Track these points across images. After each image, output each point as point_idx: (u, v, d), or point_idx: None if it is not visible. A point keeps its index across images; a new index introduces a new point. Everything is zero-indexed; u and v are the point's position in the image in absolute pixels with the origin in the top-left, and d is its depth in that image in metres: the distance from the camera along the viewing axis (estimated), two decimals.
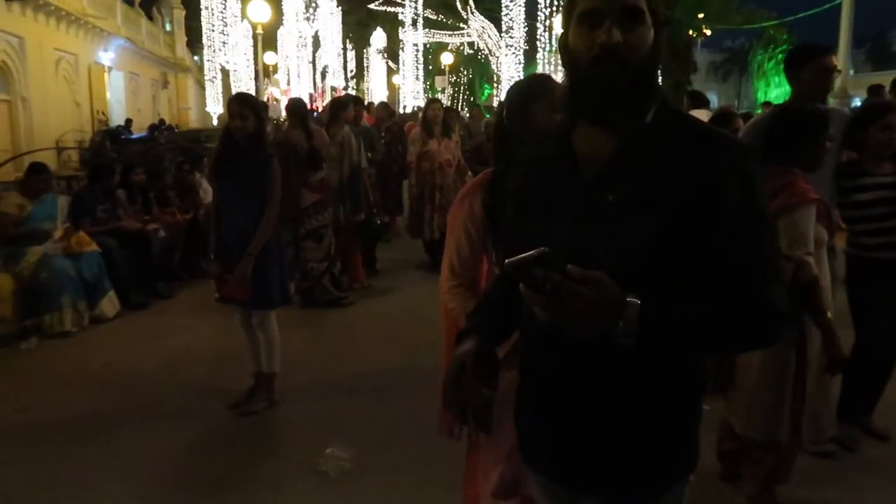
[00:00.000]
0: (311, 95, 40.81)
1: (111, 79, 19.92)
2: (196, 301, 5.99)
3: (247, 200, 3.55)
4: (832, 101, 18.70)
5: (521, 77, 26.67)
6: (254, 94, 19.49)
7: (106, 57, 19.19)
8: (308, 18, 28.89)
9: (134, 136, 16.45)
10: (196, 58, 32.67)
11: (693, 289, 1.15)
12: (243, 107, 3.54)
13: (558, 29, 13.75)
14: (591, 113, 1.24)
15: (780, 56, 18.25)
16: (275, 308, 3.75)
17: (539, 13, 17.89)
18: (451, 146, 6.67)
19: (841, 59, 18.89)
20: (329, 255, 5.62)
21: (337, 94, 38.96)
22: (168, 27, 29.60)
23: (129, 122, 19.03)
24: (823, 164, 2.50)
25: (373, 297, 6.07)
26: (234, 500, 2.96)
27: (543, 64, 17.87)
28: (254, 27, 22.60)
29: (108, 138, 15.65)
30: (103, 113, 18.30)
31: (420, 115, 6.99)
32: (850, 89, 18.96)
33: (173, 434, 3.53)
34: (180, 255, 6.58)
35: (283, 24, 30.13)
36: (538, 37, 18.39)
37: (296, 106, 5.78)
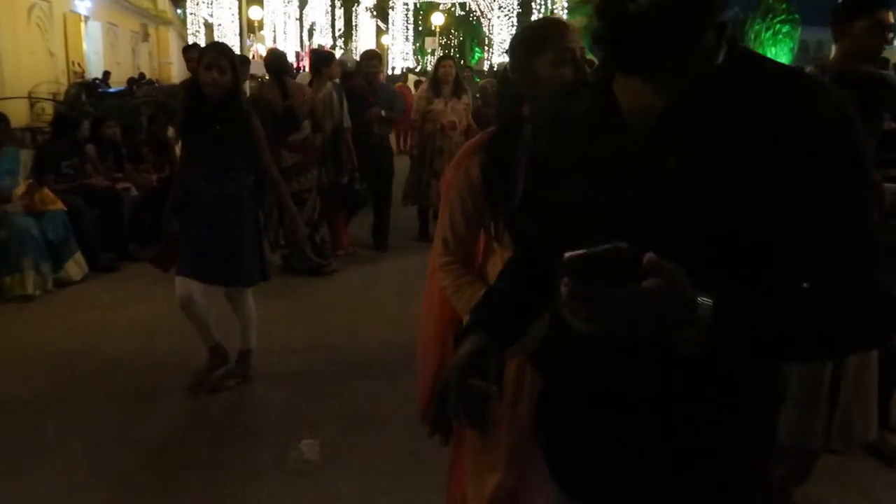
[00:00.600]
0: (297, 54, 39.94)
1: (88, 29, 19.11)
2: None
3: (221, 165, 3.18)
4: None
5: None
6: (238, 51, 18.86)
7: (82, 6, 18.36)
8: None
9: (111, 90, 15.84)
10: (179, 11, 31.60)
11: (776, 278, 0.88)
12: (221, 57, 3.10)
13: None
14: (627, 68, 0.97)
15: (777, 26, 17.87)
16: (253, 285, 3.45)
17: None
18: (458, 107, 6.18)
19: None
20: (311, 220, 5.27)
21: (324, 50, 38.12)
22: None
23: (107, 74, 18.33)
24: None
25: (357, 265, 5.78)
26: (200, 490, 2.70)
27: None
28: None
29: (85, 91, 15.04)
30: (79, 64, 17.58)
31: (431, 72, 6.52)
32: None
33: (137, 414, 3.25)
34: (154, 216, 6.22)
35: None
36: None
37: (273, 59, 5.36)
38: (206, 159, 3.19)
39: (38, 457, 2.88)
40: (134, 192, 5.99)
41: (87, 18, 18.79)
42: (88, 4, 18.68)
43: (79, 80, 16.10)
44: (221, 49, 3.22)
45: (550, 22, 1.76)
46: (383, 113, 6.06)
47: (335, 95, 5.50)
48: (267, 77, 7.05)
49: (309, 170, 5.19)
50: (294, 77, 7.07)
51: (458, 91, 6.16)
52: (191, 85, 3.20)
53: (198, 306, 3.29)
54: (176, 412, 3.30)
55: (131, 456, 2.91)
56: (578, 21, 20.68)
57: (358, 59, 7.79)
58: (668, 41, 0.90)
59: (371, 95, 5.98)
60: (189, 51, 6.60)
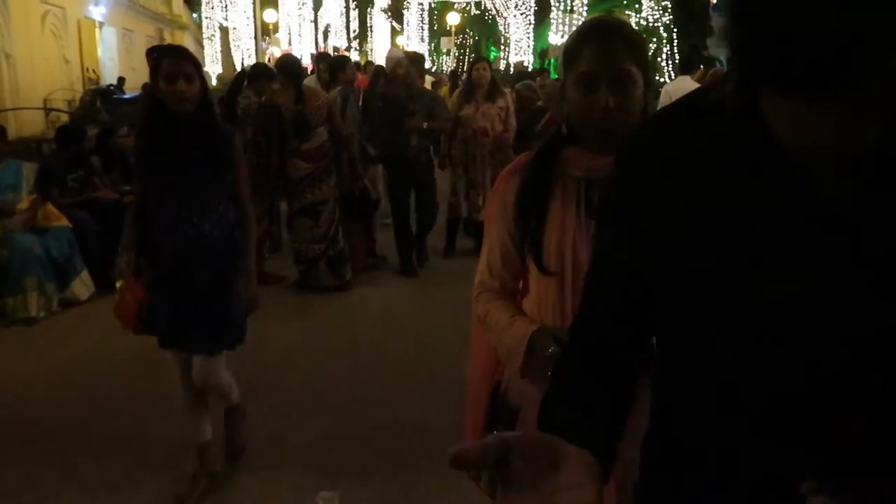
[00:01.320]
0: (312, 56, 39.83)
1: (103, 35, 19.07)
2: None
3: (204, 200, 2.49)
4: None
5: (530, 40, 25.90)
6: (253, 54, 18.70)
7: (97, 11, 18.29)
8: None
9: (126, 96, 15.71)
10: (195, 15, 31.60)
11: None
12: (185, 63, 2.42)
13: None
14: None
15: None
16: (232, 348, 2.67)
17: None
18: (491, 112, 5.74)
19: None
20: (328, 235, 4.95)
21: (340, 54, 38.06)
22: None
23: (121, 80, 18.23)
24: None
25: (377, 283, 5.40)
26: None
27: (557, 24, 16.99)
28: None
29: (100, 97, 14.94)
30: (94, 71, 17.51)
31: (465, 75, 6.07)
32: None
33: (144, 454, 2.97)
34: None
35: None
36: None
37: (286, 63, 5.05)
38: (185, 195, 2.47)
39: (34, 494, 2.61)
40: None
41: (101, 24, 18.73)
42: (103, 10, 18.60)
43: (93, 87, 16.01)
44: (182, 54, 2.53)
45: (589, 27, 1.37)
46: (425, 125, 5.40)
47: (337, 102, 5.22)
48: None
49: (324, 180, 4.87)
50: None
51: (493, 94, 5.75)
52: (148, 101, 2.53)
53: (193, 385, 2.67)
54: (186, 454, 3.01)
55: None
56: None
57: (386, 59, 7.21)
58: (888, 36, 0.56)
59: (410, 103, 5.36)
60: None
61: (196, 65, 2.47)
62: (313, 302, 4.91)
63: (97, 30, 18.36)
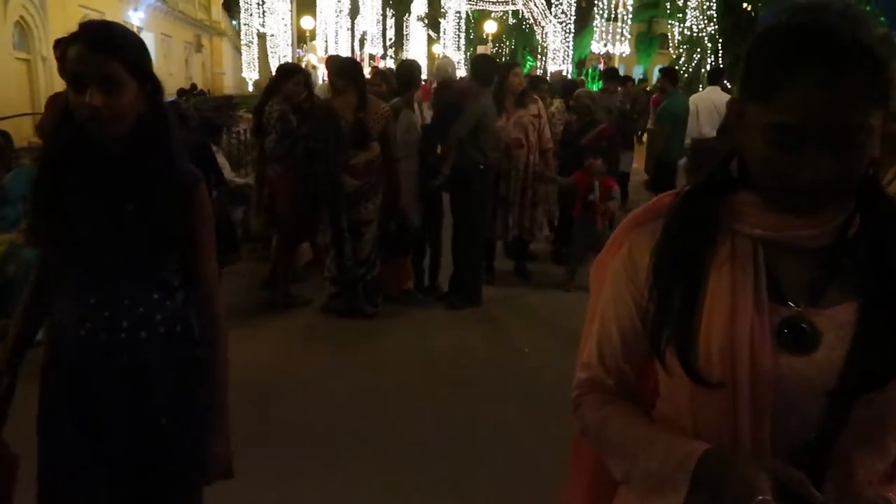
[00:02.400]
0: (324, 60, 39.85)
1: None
2: None
3: (136, 279, 1.49)
4: None
5: (569, 49, 25.38)
6: (290, 61, 18.56)
7: (136, 16, 18.35)
8: None
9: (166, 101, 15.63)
10: (234, 22, 31.81)
11: None
12: (105, 59, 1.36)
13: None
14: None
15: None
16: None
17: None
18: (523, 120, 5.21)
19: None
20: (370, 259, 4.49)
21: (376, 63, 38.00)
22: None
23: None
24: None
25: (409, 312, 4.78)
26: None
27: (600, 32, 16.48)
28: None
29: None
30: None
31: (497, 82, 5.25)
32: None
33: None
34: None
35: None
36: (596, 1, 16.92)
37: (347, 65, 4.55)
38: (96, 271, 1.48)
39: None
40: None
41: (140, 29, 18.77)
42: (142, 15, 18.67)
43: None
44: (101, 43, 1.37)
45: (809, 38, 0.79)
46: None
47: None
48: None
49: (371, 198, 4.41)
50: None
51: (524, 100, 5.24)
52: (62, 117, 1.45)
53: None
54: None
55: None
56: (636, 27, 19.66)
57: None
58: None
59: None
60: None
61: (132, 61, 1.39)
62: (344, 328, 4.49)
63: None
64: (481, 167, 4.73)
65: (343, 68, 4.49)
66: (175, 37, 23.04)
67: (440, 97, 5.22)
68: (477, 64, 5.13)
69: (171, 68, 22.16)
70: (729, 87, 8.95)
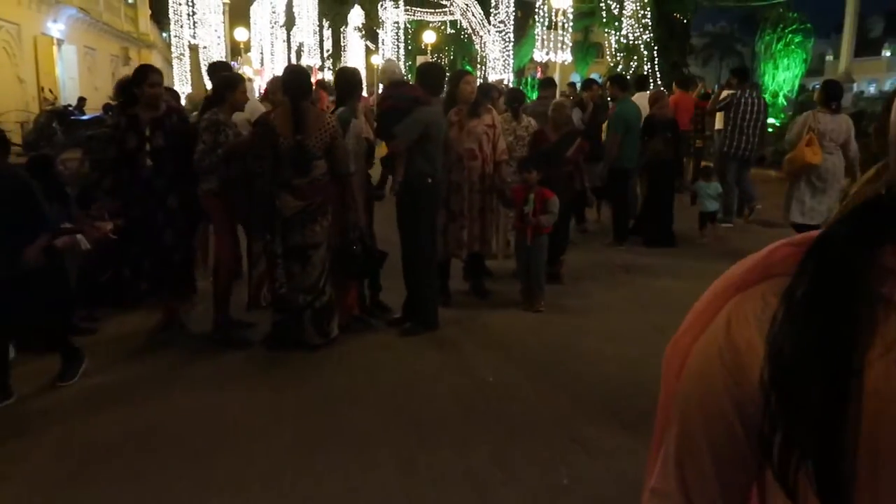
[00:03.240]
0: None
1: (62, 53, 18.08)
2: (129, 339, 4.50)
3: None
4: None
5: (509, 58, 25.43)
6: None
7: (55, 28, 17.33)
8: None
9: (85, 117, 14.77)
10: (165, 34, 30.71)
11: None
12: None
13: (556, 2, 12.24)
14: None
15: (789, 37, 16.98)
16: None
17: None
18: (477, 130, 4.90)
19: (845, 43, 17.83)
20: (317, 284, 4.07)
21: (314, 74, 37.32)
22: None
23: (81, 100, 17.25)
24: None
25: (364, 341, 4.39)
26: None
27: (541, 40, 16.43)
28: None
29: (56, 119, 13.98)
30: (51, 90, 16.49)
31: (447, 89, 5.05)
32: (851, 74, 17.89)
33: None
34: (109, 274, 5.09)
35: None
36: (536, 9, 16.88)
37: (289, 80, 4.08)
38: None
39: None
40: (86, 244, 4.86)
41: (60, 42, 17.76)
42: (62, 27, 17.66)
43: (49, 108, 15.02)
44: None
45: None
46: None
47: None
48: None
49: (317, 220, 4.00)
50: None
51: (477, 109, 4.93)
52: None
53: None
54: None
55: None
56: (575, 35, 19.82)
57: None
58: None
59: None
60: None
61: None
62: (287, 361, 4.07)
63: (55, 47, 17.36)
64: (429, 180, 4.41)
65: (285, 83, 4.07)
66: (100, 49, 21.97)
67: (393, 96, 4.84)
68: (425, 72, 4.81)
69: (97, 82, 21.10)
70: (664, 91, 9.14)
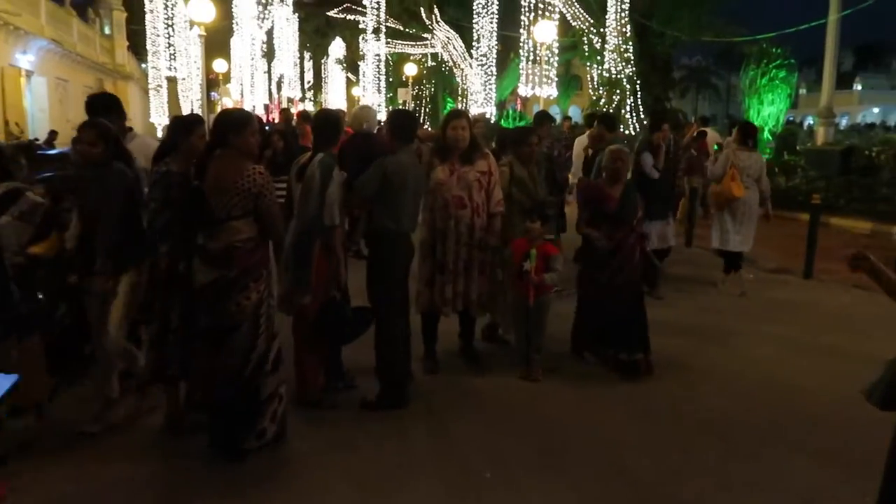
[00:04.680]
0: (266, 107, 38.78)
1: (32, 84, 17.52)
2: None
3: None
4: (817, 121, 17.60)
5: (491, 91, 25.25)
6: (203, 105, 17.35)
7: (25, 59, 16.80)
8: (261, 19, 26.76)
9: (53, 151, 14.17)
10: (144, 65, 30.28)
11: None
12: None
13: (540, 36, 11.65)
14: None
15: (773, 72, 16.94)
16: None
17: (522, 18, 16.16)
18: (469, 177, 4.46)
19: (826, 78, 17.82)
20: (241, 374, 3.30)
21: (295, 106, 37.04)
22: (107, 30, 27.17)
23: (53, 134, 16.67)
24: None
25: (330, 442, 3.61)
26: None
27: (526, 74, 16.19)
28: (198, 27, 20.51)
29: (22, 153, 13.36)
30: (17, 123, 15.89)
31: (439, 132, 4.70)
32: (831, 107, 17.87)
33: None
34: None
35: (234, 29, 28.05)
36: (521, 43, 16.65)
37: (223, 117, 3.48)
38: None
39: None
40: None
41: (30, 73, 17.21)
42: (32, 58, 17.13)
43: (15, 141, 14.40)
44: None
45: None
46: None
47: (318, 176, 3.71)
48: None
49: (233, 295, 3.22)
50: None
51: (471, 155, 4.49)
52: None
53: None
54: None
55: None
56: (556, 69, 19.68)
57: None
58: None
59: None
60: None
61: None
62: (221, 480, 3.29)
63: (24, 79, 16.80)
64: (392, 235, 4.02)
65: (216, 122, 3.45)
66: (73, 81, 21.42)
67: (354, 148, 4.40)
68: (393, 119, 4.46)
69: (69, 114, 20.50)
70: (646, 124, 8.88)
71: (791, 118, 37.52)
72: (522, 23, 16.13)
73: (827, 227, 9.42)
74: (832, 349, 5.10)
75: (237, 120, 3.38)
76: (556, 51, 16.93)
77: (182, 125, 3.72)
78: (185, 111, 24.84)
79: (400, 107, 36.39)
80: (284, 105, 33.83)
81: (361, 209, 4.15)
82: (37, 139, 15.35)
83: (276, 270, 3.71)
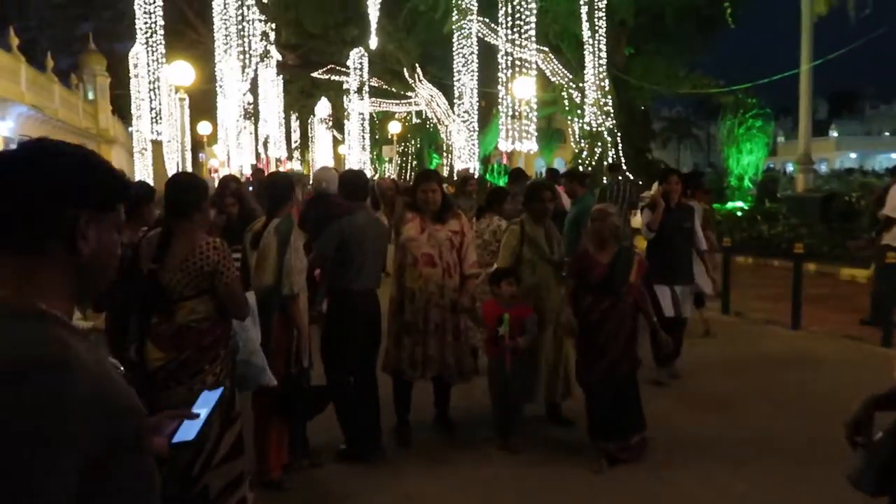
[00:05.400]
0: (253, 167, 38.96)
1: None
2: None
3: None
4: (796, 168, 17.76)
5: (474, 147, 25.49)
6: (189, 166, 17.32)
7: (4, 127, 16.75)
8: (245, 81, 27.06)
9: None
10: (131, 128, 30.44)
11: None
12: None
13: (519, 93, 11.73)
14: None
15: (750, 121, 17.20)
16: None
17: (500, 75, 16.40)
18: (440, 236, 4.27)
19: (802, 126, 18.08)
20: (189, 469, 2.92)
21: (282, 165, 37.22)
22: (91, 95, 27.33)
23: None
24: None
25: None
26: None
27: (506, 129, 16.33)
28: (180, 90, 20.69)
29: None
30: None
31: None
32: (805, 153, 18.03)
33: None
34: None
35: (219, 91, 28.34)
36: (499, 100, 16.87)
37: (174, 186, 3.16)
38: None
39: None
40: None
41: (9, 140, 17.12)
42: (11, 125, 17.09)
43: None
44: None
45: None
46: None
47: (275, 243, 3.55)
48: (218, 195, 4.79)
49: (186, 380, 2.92)
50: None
51: (443, 214, 4.33)
52: None
53: None
54: None
55: None
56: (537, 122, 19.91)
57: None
58: None
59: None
60: None
61: None
62: None
63: (1, 147, 16.71)
64: (350, 294, 3.99)
65: (166, 192, 3.12)
66: None
67: (314, 212, 4.33)
68: (345, 182, 4.40)
69: None
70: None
71: (771, 165, 38.27)
72: (500, 79, 16.35)
73: (812, 275, 9.31)
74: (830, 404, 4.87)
75: (187, 188, 3.16)
76: (535, 106, 17.10)
77: (137, 196, 3.52)
78: (171, 173, 24.88)
79: (385, 163, 36.77)
80: (273, 167, 34.05)
81: (321, 270, 4.09)
82: None
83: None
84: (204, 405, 1.48)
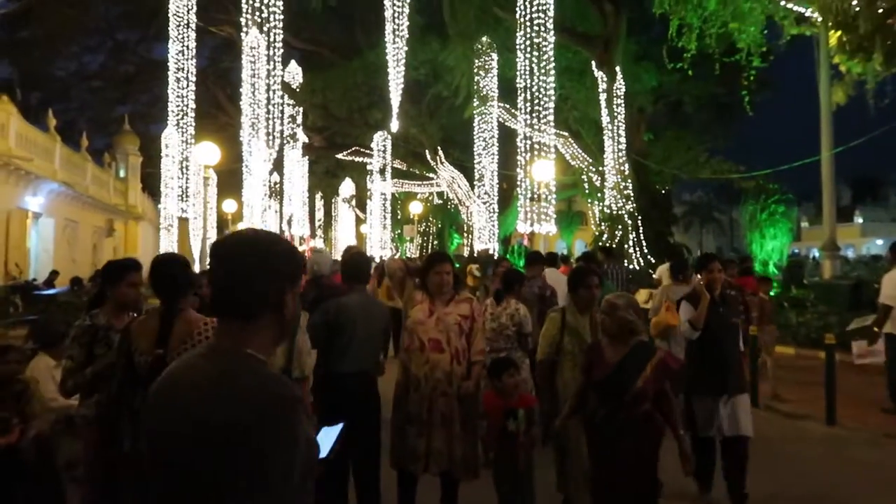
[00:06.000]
0: None
1: (39, 226, 17.80)
2: None
3: None
4: (822, 254, 17.43)
5: (494, 227, 25.65)
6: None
7: (34, 202, 17.18)
8: (270, 161, 27.74)
9: (50, 291, 14.09)
10: (160, 205, 31.22)
11: None
12: None
13: (538, 175, 11.81)
14: None
15: (772, 206, 17.07)
16: None
17: (519, 158, 16.64)
18: (448, 319, 4.04)
19: (826, 212, 17.87)
20: None
21: (306, 243, 37.66)
22: (122, 173, 28.19)
23: (53, 274, 16.69)
24: None
25: None
26: None
27: (524, 212, 16.41)
28: (206, 169, 21.19)
29: (20, 293, 13.28)
30: (17, 264, 15.94)
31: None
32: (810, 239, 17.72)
33: None
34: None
35: (245, 170, 29.08)
36: (518, 182, 17.04)
37: (162, 262, 3.03)
38: None
39: None
40: None
41: (38, 215, 17.54)
42: (41, 201, 17.53)
43: (11, 282, 14.35)
44: None
45: None
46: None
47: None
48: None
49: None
50: None
51: (452, 297, 4.15)
52: None
53: None
54: None
55: None
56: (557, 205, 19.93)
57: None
58: None
59: None
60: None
61: None
62: None
63: (30, 220, 17.10)
64: (336, 376, 3.91)
65: (151, 274, 2.97)
66: (82, 222, 21.86)
67: (304, 294, 4.27)
68: (345, 262, 4.48)
69: (75, 254, 20.76)
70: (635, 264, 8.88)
71: (796, 251, 37.92)
72: (519, 162, 16.56)
73: (844, 366, 8.86)
74: None
75: (180, 267, 3.05)
76: (554, 189, 17.20)
77: (111, 271, 3.31)
78: (195, 249, 25.20)
79: (406, 242, 37.03)
80: (297, 244, 34.50)
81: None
82: (34, 279, 15.32)
83: None
84: (326, 437, 1.66)
